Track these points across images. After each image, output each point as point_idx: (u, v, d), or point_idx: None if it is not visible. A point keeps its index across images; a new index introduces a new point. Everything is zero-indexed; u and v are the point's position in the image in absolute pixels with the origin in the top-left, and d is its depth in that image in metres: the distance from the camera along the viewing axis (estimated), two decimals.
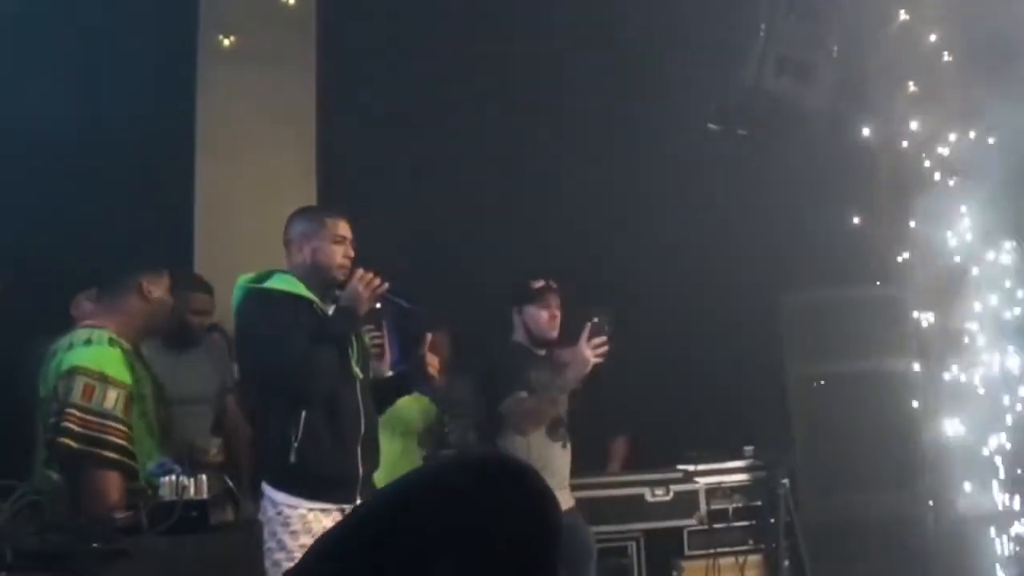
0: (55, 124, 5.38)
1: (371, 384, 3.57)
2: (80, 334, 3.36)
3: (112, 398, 3.23)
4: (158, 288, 3.52)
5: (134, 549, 2.55)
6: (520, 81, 6.35)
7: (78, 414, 3.18)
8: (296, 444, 3.26)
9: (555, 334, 4.43)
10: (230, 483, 2.90)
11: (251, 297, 3.44)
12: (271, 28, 6.28)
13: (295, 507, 3.28)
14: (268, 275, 3.47)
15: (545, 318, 4.41)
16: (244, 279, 3.47)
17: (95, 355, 3.31)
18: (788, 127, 5.29)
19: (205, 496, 2.68)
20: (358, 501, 3.33)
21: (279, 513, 3.29)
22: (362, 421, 3.45)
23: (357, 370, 3.48)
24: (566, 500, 4.34)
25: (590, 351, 4.07)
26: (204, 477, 2.71)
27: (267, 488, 3.33)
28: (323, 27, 6.38)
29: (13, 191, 5.14)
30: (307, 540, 3.19)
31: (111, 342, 3.36)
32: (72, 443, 3.14)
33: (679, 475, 5.30)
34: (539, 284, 4.44)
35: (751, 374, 5.79)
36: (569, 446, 4.46)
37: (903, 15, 5.11)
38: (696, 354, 6.05)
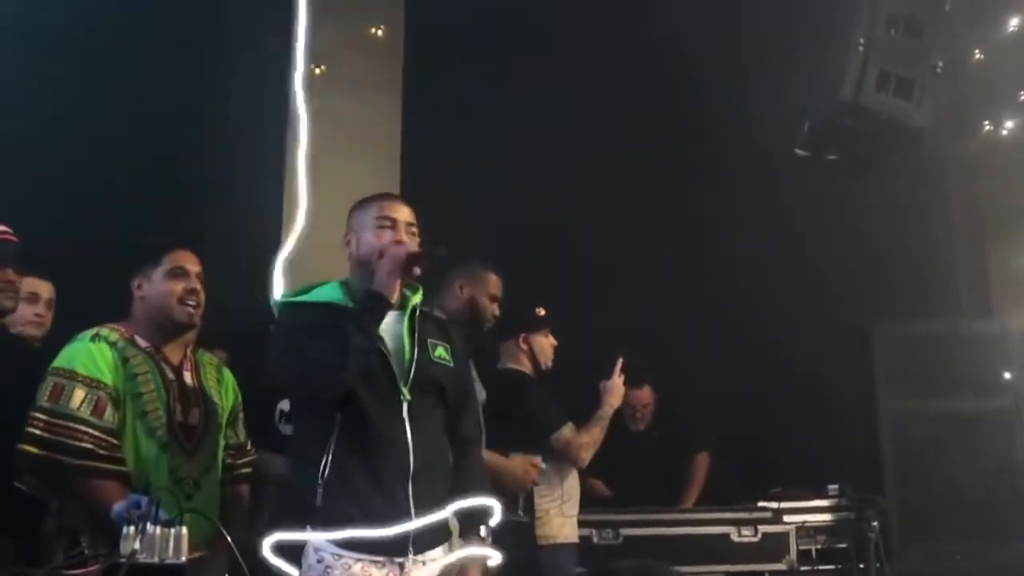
0: (152, 138, 4.81)
1: (426, 411, 2.46)
2: (78, 335, 2.58)
3: (79, 397, 2.44)
4: (148, 282, 2.64)
5: None
6: (597, 107, 5.38)
7: (43, 417, 2.43)
8: (323, 481, 2.27)
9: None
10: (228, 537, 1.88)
11: (281, 308, 2.51)
12: (360, 58, 5.57)
13: (340, 555, 2.28)
14: (310, 288, 2.49)
15: (550, 346, 3.73)
16: (283, 293, 2.63)
17: (69, 352, 2.53)
18: (887, 147, 4.18)
19: (182, 556, 1.65)
20: (414, 553, 2.32)
21: (320, 560, 2.28)
22: (411, 454, 2.34)
23: (405, 391, 2.39)
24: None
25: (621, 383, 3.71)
26: (184, 530, 1.67)
27: (308, 530, 2.33)
28: (410, 58, 5.58)
29: (89, 197, 4.54)
30: None
31: (96, 338, 2.54)
32: (33, 449, 2.39)
33: (768, 514, 4.18)
34: (542, 312, 3.78)
35: (838, 407, 4.68)
36: None
37: (1014, 23, 3.97)
38: (781, 383, 4.92)
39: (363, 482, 2.30)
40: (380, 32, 5.66)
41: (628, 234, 5.26)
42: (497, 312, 2.85)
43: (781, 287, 4.84)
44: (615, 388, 3.66)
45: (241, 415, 2.78)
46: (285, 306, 2.50)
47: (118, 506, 1.73)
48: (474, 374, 2.92)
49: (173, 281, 2.60)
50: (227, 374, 2.80)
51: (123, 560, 1.54)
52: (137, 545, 1.59)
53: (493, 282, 2.89)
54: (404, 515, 2.31)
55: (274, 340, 2.44)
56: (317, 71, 5.69)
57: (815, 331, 4.71)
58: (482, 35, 5.31)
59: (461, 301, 2.97)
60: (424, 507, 2.33)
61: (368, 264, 2.47)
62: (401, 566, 2.31)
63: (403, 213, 2.53)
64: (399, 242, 2.46)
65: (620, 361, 3.67)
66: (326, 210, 5.40)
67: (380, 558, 2.29)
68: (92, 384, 2.46)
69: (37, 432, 2.40)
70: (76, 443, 2.39)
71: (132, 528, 1.61)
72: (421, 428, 2.38)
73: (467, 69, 5.41)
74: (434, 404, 2.45)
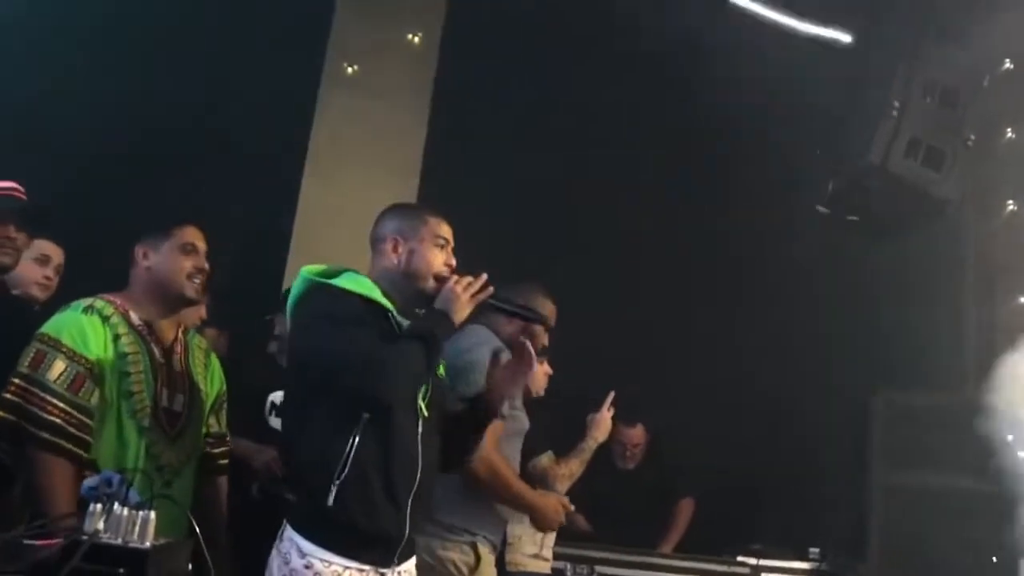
0: (173, 116, 4.80)
1: (440, 428, 2.41)
2: (75, 301, 2.48)
3: (58, 370, 2.33)
4: (155, 252, 2.54)
5: None
6: (622, 144, 5.34)
7: (20, 383, 2.34)
8: (339, 482, 2.17)
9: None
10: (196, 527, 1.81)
11: (316, 289, 2.34)
12: (393, 62, 5.62)
13: (329, 562, 2.20)
14: (337, 272, 2.37)
15: (544, 375, 3.58)
16: (309, 271, 2.36)
17: (59, 321, 2.43)
18: (909, 214, 4.14)
19: (147, 541, 1.57)
20: (396, 564, 2.29)
21: (307, 566, 2.20)
22: (419, 470, 2.29)
23: (424, 407, 2.33)
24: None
25: (610, 418, 3.61)
26: (152, 514, 1.59)
27: (294, 534, 2.24)
28: (443, 67, 5.58)
29: (121, 180, 4.56)
30: None
31: (90, 310, 2.44)
32: (5, 414, 2.30)
33: (745, 570, 4.12)
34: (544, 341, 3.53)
35: (830, 470, 4.60)
36: None
37: None
38: (777, 438, 4.85)
39: (378, 491, 2.23)
40: (416, 39, 5.69)
41: (639, 272, 5.21)
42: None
43: (788, 342, 4.77)
44: (602, 422, 3.57)
45: (224, 404, 2.70)
46: (322, 288, 2.33)
47: (88, 481, 1.67)
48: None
49: (184, 256, 2.54)
50: (214, 360, 2.73)
51: (85, 537, 1.48)
52: (102, 524, 1.54)
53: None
54: (402, 529, 2.28)
55: (311, 322, 2.29)
56: (349, 70, 5.74)
57: (817, 390, 4.63)
58: (517, 54, 5.29)
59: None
60: (416, 523, 2.31)
61: (415, 278, 2.40)
62: (382, 575, 2.28)
63: (451, 234, 2.47)
64: (451, 266, 2.41)
65: (611, 395, 3.58)
66: (340, 200, 5.45)
67: (367, 567, 2.25)
68: (74, 358, 2.38)
69: (11, 398, 2.34)
70: (45, 415, 2.32)
71: (99, 506, 1.56)
72: (429, 445, 2.35)
73: (498, 84, 5.39)
74: (438, 422, 2.40)
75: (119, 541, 1.55)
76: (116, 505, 1.57)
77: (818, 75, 4.26)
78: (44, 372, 2.34)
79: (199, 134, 4.96)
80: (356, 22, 5.66)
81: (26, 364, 2.36)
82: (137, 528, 1.58)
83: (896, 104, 4.07)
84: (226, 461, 2.68)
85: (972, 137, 4.08)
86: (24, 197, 2.71)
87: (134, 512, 1.59)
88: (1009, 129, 4.12)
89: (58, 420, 2.31)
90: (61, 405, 2.33)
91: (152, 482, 1.88)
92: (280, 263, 5.33)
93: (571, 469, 3.56)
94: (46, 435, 2.29)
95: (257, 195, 5.12)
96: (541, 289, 3.19)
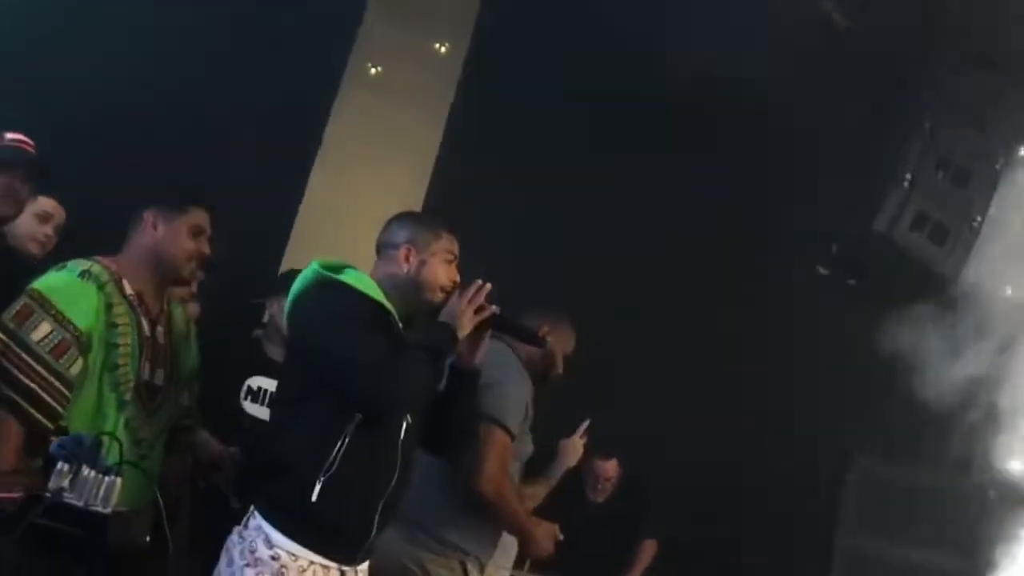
0: (188, 88, 4.75)
1: (418, 434, 2.40)
2: (72, 261, 2.42)
3: (43, 331, 2.25)
4: (165, 225, 2.48)
5: None
6: (630, 181, 5.35)
7: (2, 337, 2.25)
8: (324, 478, 2.16)
9: None
10: (160, 501, 1.77)
11: (327, 284, 2.32)
12: (417, 68, 5.64)
13: (297, 556, 2.19)
14: (342, 268, 2.36)
15: (580, 445, 3.50)
16: (319, 263, 2.36)
17: (54, 280, 2.35)
18: (908, 287, 4.15)
19: (109, 507, 1.56)
20: (357, 563, 2.30)
21: (274, 558, 2.17)
22: (395, 475, 2.30)
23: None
24: None
25: (581, 446, 3.45)
26: (117, 480, 1.58)
27: (263, 523, 2.21)
28: (465, 80, 5.60)
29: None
30: None
31: (86, 275, 2.37)
32: None
33: None
34: None
35: (799, 530, 4.57)
36: None
37: None
38: (750, 493, 4.83)
39: (356, 491, 2.24)
40: (443, 49, 5.72)
41: (640, 316, 5.18)
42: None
43: (776, 401, 4.77)
44: (573, 448, 3.47)
45: (198, 380, 2.67)
46: (333, 285, 2.31)
47: (60, 439, 1.64)
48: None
49: (191, 239, 2.51)
50: (193, 333, 2.69)
51: (47, 495, 1.45)
52: (67, 484, 1.51)
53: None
54: (369, 530, 2.29)
55: (324, 319, 2.28)
56: (372, 70, 5.77)
57: (797, 449, 4.62)
58: (539, 75, 5.31)
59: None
60: (382, 526, 2.32)
61: (424, 289, 2.41)
62: (343, 573, 2.28)
63: (458, 251, 2.49)
64: (455, 281, 2.43)
65: (586, 423, 3.49)
66: (346, 195, 5.46)
67: (332, 565, 2.25)
68: (62, 323, 2.31)
69: None
70: (21, 376, 2.24)
71: (67, 465, 1.53)
72: (408, 451, 2.35)
73: (518, 103, 5.41)
74: (416, 430, 2.39)
75: (81, 503, 1.52)
76: (84, 467, 1.54)
77: (837, 135, 4.30)
78: (28, 331, 2.27)
79: (214, 109, 4.94)
80: (385, 24, 5.69)
81: (11, 317, 2.29)
82: (101, 492, 1.56)
83: (908, 176, 4.08)
84: (193, 437, 2.65)
85: (979, 219, 4.10)
86: (33, 151, 2.70)
87: (101, 476, 1.56)
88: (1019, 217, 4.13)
89: (34, 386, 2.24)
90: (39, 369, 2.26)
91: (122, 448, 1.83)
92: (278, 249, 5.32)
93: (535, 492, 3.45)
94: (15, 396, 2.22)
95: (264, 178, 5.11)
96: (562, 315, 3.18)
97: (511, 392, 2.87)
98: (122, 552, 1.53)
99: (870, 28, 4.36)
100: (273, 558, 2.18)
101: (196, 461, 2.76)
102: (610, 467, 4.72)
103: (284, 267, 4.95)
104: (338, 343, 2.23)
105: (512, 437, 2.84)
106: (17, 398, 2.21)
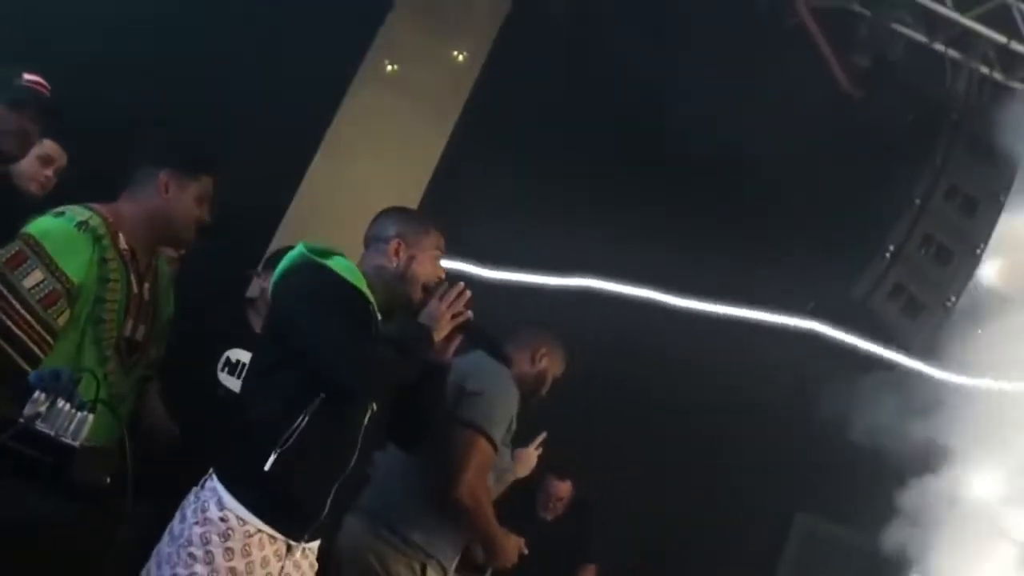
0: (201, 61, 4.77)
1: (382, 422, 2.44)
2: (70, 207, 2.41)
3: (35, 279, 2.23)
4: (177, 188, 2.49)
5: None
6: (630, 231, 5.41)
7: None
8: (280, 451, 2.21)
9: None
10: (125, 440, 1.80)
11: (312, 267, 2.37)
12: (433, 71, 5.68)
13: (245, 521, 2.23)
14: (329, 254, 2.40)
15: (534, 456, 3.51)
16: (307, 246, 2.40)
17: (50, 225, 2.33)
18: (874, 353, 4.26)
19: (78, 441, 1.60)
20: (305, 541, 2.32)
21: (223, 519, 2.22)
22: (354, 458, 2.34)
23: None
24: None
25: (535, 457, 3.43)
26: (89, 417, 1.63)
27: (219, 485, 2.25)
28: (479, 90, 5.68)
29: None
30: (240, 565, 2.19)
31: (83, 226, 2.36)
32: None
33: None
34: None
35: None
36: None
37: None
38: (697, 534, 4.90)
39: (312, 468, 2.28)
40: (461, 57, 5.80)
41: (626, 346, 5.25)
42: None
43: (731, 452, 4.84)
44: (527, 458, 3.45)
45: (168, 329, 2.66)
46: (318, 269, 2.36)
47: (40, 371, 1.68)
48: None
49: (199, 206, 2.54)
50: (171, 286, 2.70)
51: (20, 420, 1.50)
52: (42, 411, 1.56)
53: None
54: (321, 509, 2.33)
55: (304, 300, 2.32)
56: (389, 67, 5.84)
57: (748, 500, 4.69)
58: (553, 95, 5.40)
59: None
60: (336, 508, 2.36)
61: (409, 283, 2.46)
62: (289, 547, 2.30)
63: (444, 247, 2.56)
64: (440, 277, 2.49)
65: (543, 435, 3.48)
66: (344, 186, 5.51)
67: (279, 536, 2.28)
68: (55, 273, 2.29)
69: None
70: (9, 323, 2.21)
71: (43, 395, 1.58)
72: (370, 436, 2.39)
73: (528, 121, 5.50)
74: (379, 418, 2.43)
75: (52, 432, 1.57)
76: (60, 400, 1.59)
77: (825, 194, 4.40)
78: (20, 278, 2.25)
79: (227, 83, 4.97)
80: (408, 25, 5.76)
81: (4, 261, 2.28)
82: (73, 426, 1.61)
83: (891, 247, 4.20)
84: (147, 388, 2.65)
85: (953, 299, 4.22)
86: (48, 94, 2.74)
87: (74, 411, 1.61)
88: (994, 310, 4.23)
89: (19, 332, 2.23)
90: (28, 318, 2.25)
91: (99, 387, 1.87)
92: (271, 227, 5.35)
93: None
94: (1, 342, 2.21)
95: (267, 156, 5.15)
96: (549, 333, 3.22)
97: (499, 404, 2.91)
98: (82, 487, 1.58)
99: (876, 99, 4.50)
100: (222, 519, 2.22)
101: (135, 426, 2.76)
102: (563, 487, 4.77)
103: (273, 245, 5.00)
104: (313, 320, 2.29)
105: (495, 448, 2.88)
106: (1, 342, 2.21)
